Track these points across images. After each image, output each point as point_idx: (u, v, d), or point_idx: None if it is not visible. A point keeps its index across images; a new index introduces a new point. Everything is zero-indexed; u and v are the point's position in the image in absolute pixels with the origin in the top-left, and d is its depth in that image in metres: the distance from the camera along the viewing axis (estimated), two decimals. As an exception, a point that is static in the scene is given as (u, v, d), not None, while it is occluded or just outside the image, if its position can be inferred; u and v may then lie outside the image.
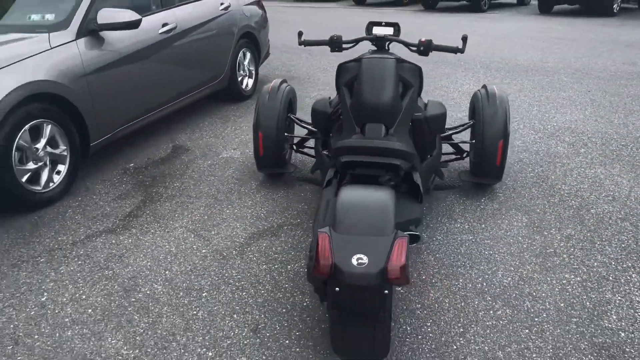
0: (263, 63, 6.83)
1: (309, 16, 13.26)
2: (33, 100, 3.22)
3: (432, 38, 8.80)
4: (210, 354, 2.12)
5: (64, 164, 3.51)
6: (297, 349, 2.14)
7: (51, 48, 3.40)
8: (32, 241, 2.99)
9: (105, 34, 3.81)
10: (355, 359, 1.92)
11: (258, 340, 2.20)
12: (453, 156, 4.11)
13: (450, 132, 3.66)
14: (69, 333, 2.24)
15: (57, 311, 2.39)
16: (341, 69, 2.93)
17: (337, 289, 1.76)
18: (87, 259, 2.80)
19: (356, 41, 2.99)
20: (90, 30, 3.69)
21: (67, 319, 2.33)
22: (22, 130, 3.16)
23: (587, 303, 2.42)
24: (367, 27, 3.00)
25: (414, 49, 2.93)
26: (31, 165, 3.26)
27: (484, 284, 2.57)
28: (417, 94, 3.04)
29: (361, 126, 2.68)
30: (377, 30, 2.96)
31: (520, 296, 2.48)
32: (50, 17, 3.63)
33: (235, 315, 2.35)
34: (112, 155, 4.27)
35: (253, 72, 5.98)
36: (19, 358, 2.11)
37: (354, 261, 1.72)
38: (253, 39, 5.90)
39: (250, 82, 5.97)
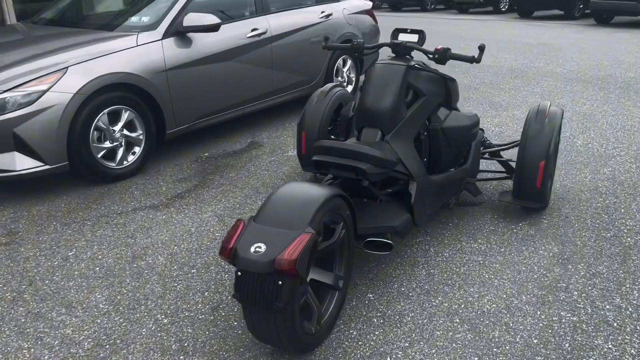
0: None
1: (451, 28, 12.98)
2: (114, 88, 3.76)
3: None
4: (165, 320, 2.35)
5: (139, 146, 4.02)
6: (240, 332, 2.27)
7: (137, 46, 3.92)
8: (91, 207, 3.50)
9: (193, 36, 4.28)
10: (265, 343, 2.00)
11: (212, 317, 2.36)
12: (500, 174, 3.85)
13: (497, 148, 3.45)
14: (71, 283, 2.63)
15: (74, 265, 2.80)
16: (365, 73, 2.97)
17: (239, 273, 1.86)
18: (121, 227, 3.21)
19: (377, 47, 3.00)
20: (177, 32, 4.17)
21: (76, 273, 2.73)
22: (101, 114, 3.70)
23: (566, 345, 2.17)
24: (393, 33, 2.99)
25: (431, 56, 2.85)
26: (107, 144, 3.81)
27: (462, 306, 2.43)
28: (438, 104, 2.95)
29: (359, 130, 2.70)
30: (402, 37, 2.94)
31: (493, 324, 2.30)
32: (145, 19, 4.19)
33: (206, 293, 2.54)
34: (193, 143, 4.75)
35: (353, 78, 6.12)
36: (24, 296, 2.54)
37: (252, 249, 1.80)
38: (356, 47, 6.03)
39: (350, 88, 6.13)
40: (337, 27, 5.72)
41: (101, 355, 2.14)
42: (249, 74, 4.74)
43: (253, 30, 4.77)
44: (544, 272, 2.69)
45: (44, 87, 3.43)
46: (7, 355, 2.15)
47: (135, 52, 3.90)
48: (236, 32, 4.61)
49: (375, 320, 2.34)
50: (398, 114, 2.66)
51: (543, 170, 3.05)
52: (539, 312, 2.37)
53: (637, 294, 2.49)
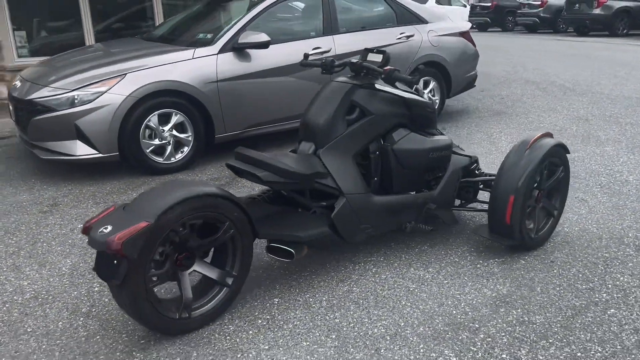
0: (464, 92, 6.74)
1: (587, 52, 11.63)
2: (166, 94, 4.34)
3: None
4: (98, 288, 2.74)
5: (187, 146, 4.56)
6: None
7: (192, 58, 4.48)
8: (128, 192, 4.10)
9: (251, 52, 4.71)
10: (132, 318, 2.26)
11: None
12: (482, 206, 3.54)
13: (478, 178, 3.24)
14: (59, 249, 3.19)
15: (73, 236, 3.37)
16: None
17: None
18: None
19: (343, 65, 3.07)
20: (233, 48, 4.64)
21: (69, 242, 3.29)
22: (152, 115, 4.31)
23: (417, 381, 2.05)
24: (362, 53, 3.03)
25: (381, 77, 2.84)
26: (156, 142, 4.40)
27: (351, 325, 2.41)
28: (397, 125, 2.93)
29: (299, 142, 2.83)
30: (370, 57, 2.97)
31: (364, 348, 2.25)
32: (209, 36, 4.74)
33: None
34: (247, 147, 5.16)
35: (437, 100, 6.02)
36: (21, 252, 3.16)
37: (100, 229, 2.09)
38: (441, 69, 5.93)
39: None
40: (415, 49, 5.70)
41: (31, 305, 2.61)
42: (304, 89, 5.01)
43: (315, 48, 5.04)
44: (468, 309, 2.51)
45: (104, 88, 4.14)
46: (-25, 291, 2.74)
47: (190, 64, 4.45)
48: (294, 49, 4.93)
49: (260, 321, 2.45)
50: (334, 130, 2.73)
51: (512, 205, 2.81)
52: (421, 346, 2.26)
53: (553, 351, 2.21)
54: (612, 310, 2.47)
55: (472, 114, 6.44)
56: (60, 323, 2.47)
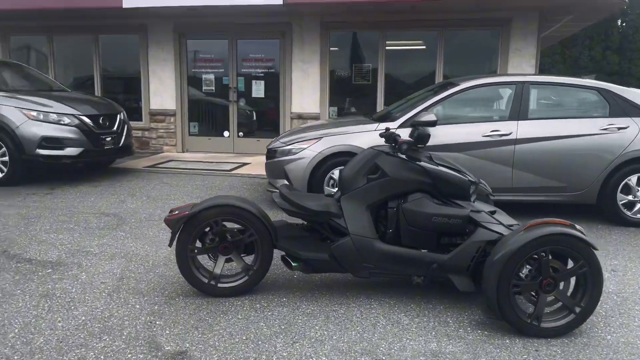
0: None
1: None
2: (347, 155, 5.60)
3: None
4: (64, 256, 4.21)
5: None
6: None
7: (374, 130, 5.63)
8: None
9: (433, 130, 5.54)
10: (179, 270, 3.63)
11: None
12: None
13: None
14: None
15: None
16: None
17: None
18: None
19: (388, 137, 3.76)
20: (411, 124, 5.56)
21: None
22: (334, 170, 5.63)
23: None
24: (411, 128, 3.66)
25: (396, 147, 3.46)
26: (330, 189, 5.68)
27: (244, 336, 3.17)
28: (416, 189, 3.47)
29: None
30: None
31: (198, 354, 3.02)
32: (397, 114, 5.79)
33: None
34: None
35: (657, 203, 5.41)
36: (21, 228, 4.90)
37: (170, 212, 3.53)
38: (665, 166, 5.34)
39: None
40: (627, 141, 5.34)
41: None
42: (477, 166, 5.46)
43: (493, 131, 5.46)
44: (378, 351, 2.93)
45: (304, 146, 5.72)
46: None
47: (372, 134, 5.61)
48: (472, 130, 5.48)
49: (258, 305, 3.46)
50: (354, 183, 3.51)
51: (492, 280, 3.00)
52: None
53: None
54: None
55: None
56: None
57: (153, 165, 8.86)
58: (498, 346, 2.96)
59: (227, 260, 3.56)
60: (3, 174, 7.05)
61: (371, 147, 3.71)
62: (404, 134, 5.51)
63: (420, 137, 3.57)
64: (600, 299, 3.41)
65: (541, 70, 33.79)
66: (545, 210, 6.11)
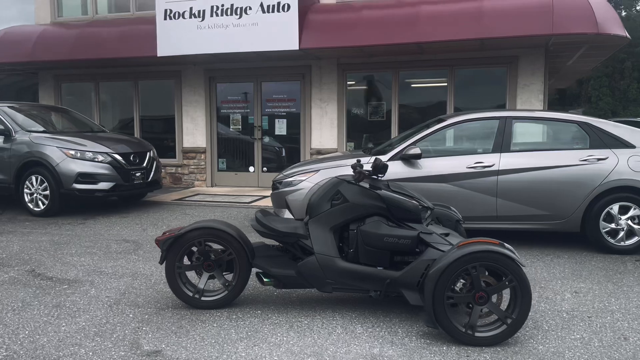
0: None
1: None
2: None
3: None
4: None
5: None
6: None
7: (367, 163, 6.10)
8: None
9: (420, 162, 5.97)
10: (168, 284, 4.17)
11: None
12: None
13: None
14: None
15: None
16: None
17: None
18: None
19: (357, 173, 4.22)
20: (401, 157, 6.02)
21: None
22: (331, 200, 6.11)
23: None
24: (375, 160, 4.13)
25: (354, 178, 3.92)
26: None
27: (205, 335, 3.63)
28: (373, 213, 3.89)
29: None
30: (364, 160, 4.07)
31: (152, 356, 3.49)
32: (388, 148, 6.24)
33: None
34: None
35: (636, 227, 5.59)
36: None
37: (162, 234, 4.10)
38: (641, 195, 5.55)
39: (635, 240, 5.64)
40: (605, 172, 5.59)
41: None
42: (461, 196, 5.82)
43: (477, 163, 5.83)
44: None
45: (303, 178, 6.24)
46: None
47: (366, 166, 6.08)
48: (455, 162, 5.87)
49: (234, 315, 3.94)
50: (320, 208, 3.99)
51: (428, 292, 3.40)
52: None
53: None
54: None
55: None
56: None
57: (181, 198, 9.58)
58: (434, 352, 3.31)
59: (211, 277, 4.08)
60: (45, 205, 7.91)
61: (335, 177, 4.19)
62: (394, 165, 5.95)
63: (377, 168, 4.02)
64: (548, 315, 3.71)
65: (590, 104, 33.36)
66: (531, 238, 6.36)
